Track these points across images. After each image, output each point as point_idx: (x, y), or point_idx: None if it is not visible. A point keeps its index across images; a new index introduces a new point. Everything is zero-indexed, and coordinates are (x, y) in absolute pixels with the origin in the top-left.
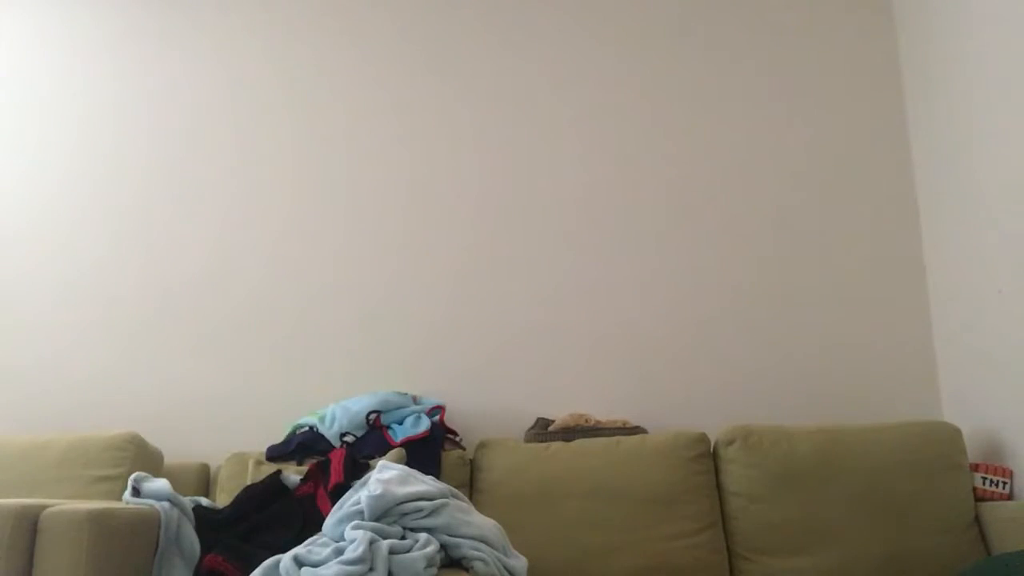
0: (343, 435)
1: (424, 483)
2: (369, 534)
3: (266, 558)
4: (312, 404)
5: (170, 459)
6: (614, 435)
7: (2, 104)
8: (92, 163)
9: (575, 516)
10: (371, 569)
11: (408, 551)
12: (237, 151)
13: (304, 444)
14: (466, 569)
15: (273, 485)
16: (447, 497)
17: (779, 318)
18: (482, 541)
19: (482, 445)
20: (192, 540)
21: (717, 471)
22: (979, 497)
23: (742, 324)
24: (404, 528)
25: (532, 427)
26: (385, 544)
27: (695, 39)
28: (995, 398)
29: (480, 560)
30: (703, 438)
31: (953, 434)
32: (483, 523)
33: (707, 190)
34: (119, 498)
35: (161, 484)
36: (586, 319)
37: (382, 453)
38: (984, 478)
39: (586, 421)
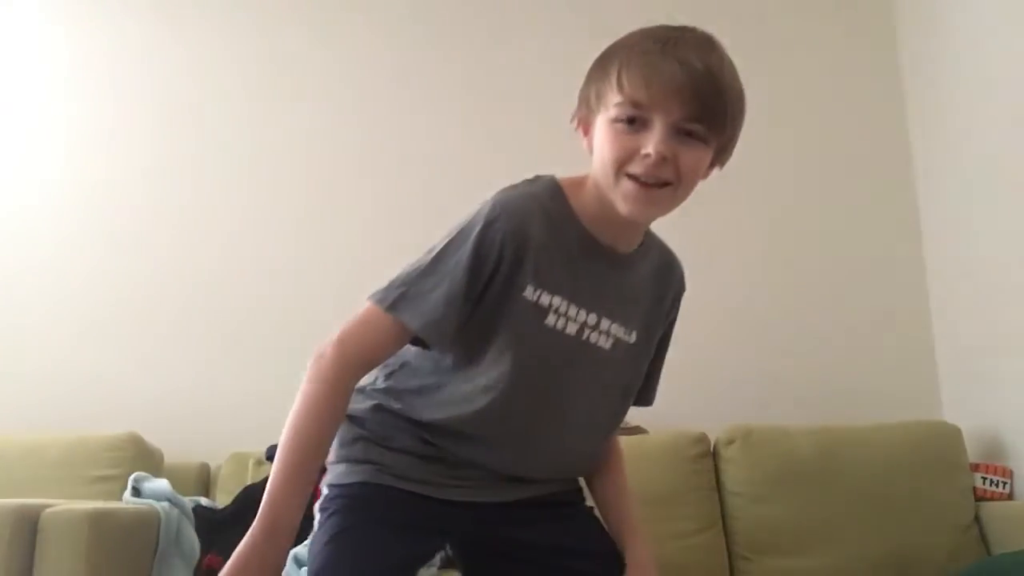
0: None
1: None
2: None
3: None
4: None
5: (170, 459)
6: None
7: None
8: (91, 162)
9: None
10: None
11: None
12: (239, 151)
13: None
14: None
15: None
16: None
17: (779, 318)
18: None
19: None
20: (192, 540)
21: (717, 471)
22: (979, 497)
23: (742, 324)
24: None
25: None
26: None
27: None
28: (995, 398)
29: None
30: (703, 438)
31: (953, 434)
32: None
33: (707, 190)
34: (119, 498)
35: (161, 484)
36: None
37: None
38: (984, 478)
39: None
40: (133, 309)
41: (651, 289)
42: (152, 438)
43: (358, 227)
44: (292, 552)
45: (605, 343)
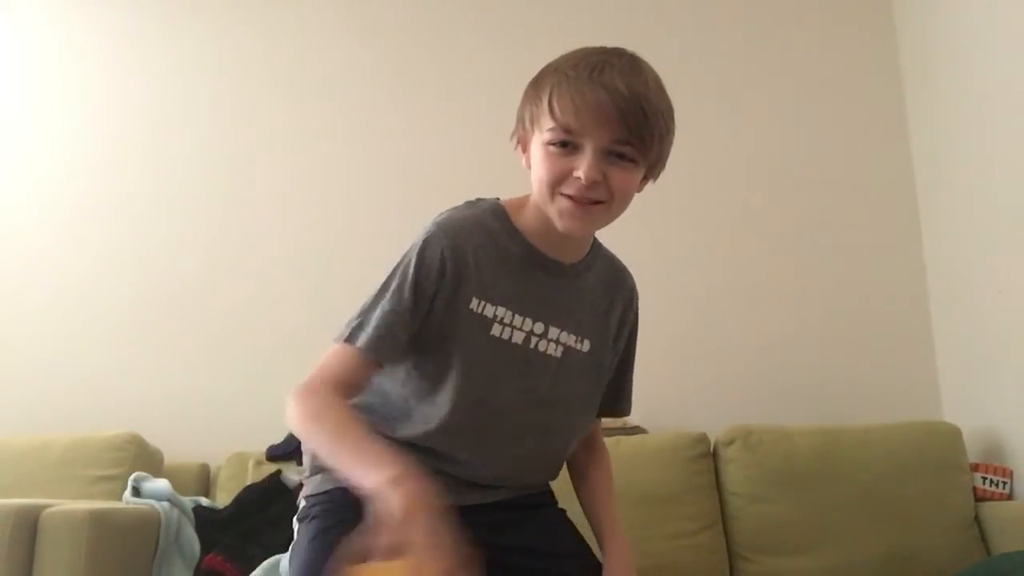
0: None
1: None
2: None
3: (266, 558)
4: None
5: (170, 459)
6: (614, 435)
7: None
8: (90, 161)
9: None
10: None
11: None
12: (237, 150)
13: None
14: None
15: (273, 485)
16: None
17: (779, 318)
18: None
19: None
20: (192, 540)
21: (717, 471)
22: (979, 497)
23: (742, 324)
24: None
25: None
26: None
27: (694, 38)
28: (995, 398)
29: None
30: (703, 438)
31: (953, 434)
32: None
33: (706, 189)
34: (119, 498)
35: (161, 484)
36: None
37: None
38: (984, 478)
39: None
40: (133, 309)
41: (600, 298)
42: (152, 438)
43: (359, 228)
44: (281, 559)
45: (555, 351)
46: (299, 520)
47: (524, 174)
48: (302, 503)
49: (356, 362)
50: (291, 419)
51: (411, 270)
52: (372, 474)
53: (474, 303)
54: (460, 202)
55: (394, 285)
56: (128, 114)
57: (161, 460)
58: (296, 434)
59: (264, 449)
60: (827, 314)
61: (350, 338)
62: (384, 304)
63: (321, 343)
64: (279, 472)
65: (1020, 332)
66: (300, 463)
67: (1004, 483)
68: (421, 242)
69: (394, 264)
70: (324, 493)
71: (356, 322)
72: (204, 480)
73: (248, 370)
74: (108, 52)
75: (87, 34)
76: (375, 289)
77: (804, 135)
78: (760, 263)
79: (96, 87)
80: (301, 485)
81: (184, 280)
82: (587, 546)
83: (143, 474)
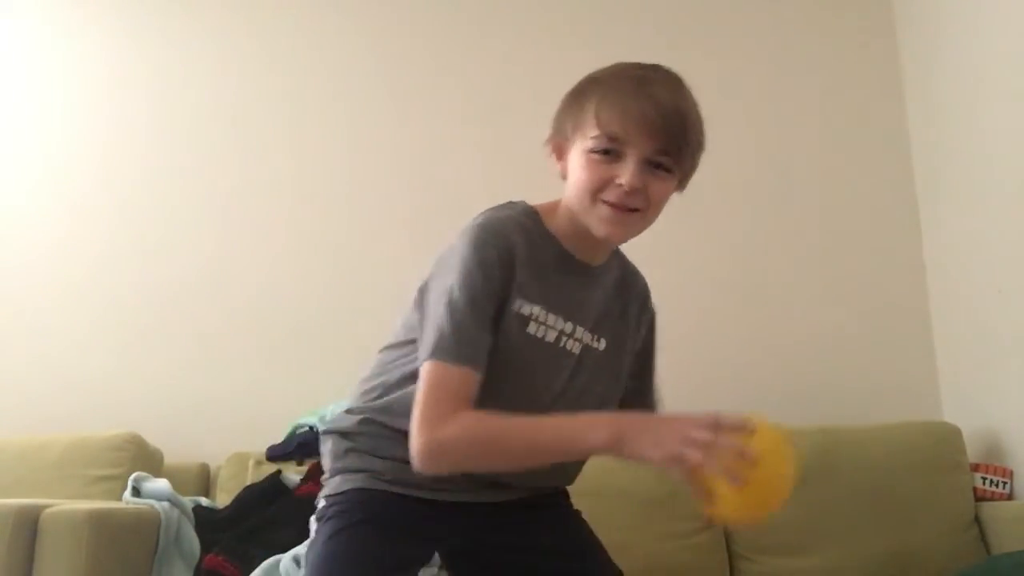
0: None
1: None
2: None
3: (266, 558)
4: (312, 404)
5: (170, 459)
6: None
7: None
8: (91, 162)
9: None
10: None
11: None
12: (238, 151)
13: (304, 444)
14: None
15: (273, 485)
16: None
17: (779, 318)
18: None
19: None
20: (192, 540)
21: None
22: (979, 497)
23: (741, 324)
24: None
25: None
26: None
27: (694, 37)
28: (995, 398)
29: None
30: None
31: (953, 434)
32: None
33: (705, 188)
34: (119, 498)
35: (161, 484)
36: None
37: None
38: (984, 478)
39: None
40: (133, 310)
41: (616, 299)
42: (152, 438)
43: (359, 228)
44: (292, 552)
45: (576, 349)
46: (317, 519)
47: (525, 170)
48: (321, 503)
49: (468, 380)
50: (444, 457)
51: (477, 276)
52: (597, 439)
53: (515, 301)
54: (459, 205)
55: (464, 296)
56: (128, 115)
57: (161, 460)
58: (459, 466)
59: (264, 449)
60: (827, 314)
61: (452, 358)
62: (465, 316)
63: (321, 344)
64: (279, 472)
65: (1020, 332)
66: (300, 463)
67: (1004, 483)
68: (476, 245)
69: (447, 271)
70: (342, 494)
71: (447, 341)
72: (204, 480)
73: (248, 370)
74: (109, 52)
75: (87, 35)
76: (443, 302)
77: (804, 135)
78: (760, 263)
79: (97, 87)
80: (300, 484)
81: (184, 280)
82: (601, 546)
83: (143, 474)
